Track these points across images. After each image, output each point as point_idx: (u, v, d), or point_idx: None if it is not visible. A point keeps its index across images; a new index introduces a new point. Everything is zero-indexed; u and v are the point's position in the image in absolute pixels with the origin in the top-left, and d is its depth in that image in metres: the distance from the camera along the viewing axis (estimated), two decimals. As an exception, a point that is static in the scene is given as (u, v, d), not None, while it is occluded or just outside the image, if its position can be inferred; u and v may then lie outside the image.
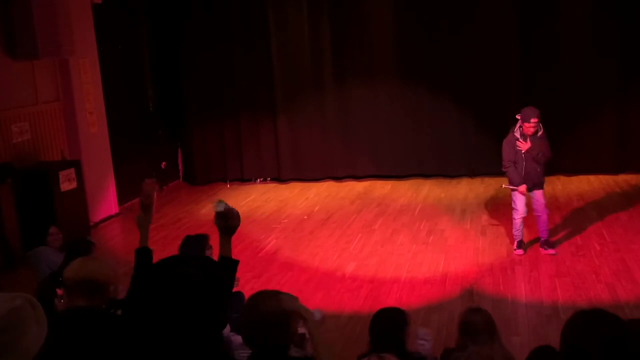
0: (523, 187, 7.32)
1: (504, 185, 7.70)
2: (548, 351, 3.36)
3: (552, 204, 9.15)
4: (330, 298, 6.59)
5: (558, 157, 10.70)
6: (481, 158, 11.05)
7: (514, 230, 7.57)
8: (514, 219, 7.50)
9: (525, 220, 7.52)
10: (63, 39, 8.74)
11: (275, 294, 2.97)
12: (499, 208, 9.33)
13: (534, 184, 7.36)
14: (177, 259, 2.11)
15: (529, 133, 7.16)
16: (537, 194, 7.39)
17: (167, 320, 1.97)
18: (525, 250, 7.55)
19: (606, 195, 9.81)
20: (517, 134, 7.25)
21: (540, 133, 7.22)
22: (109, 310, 3.23)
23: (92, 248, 5.41)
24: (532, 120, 7.09)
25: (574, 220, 8.62)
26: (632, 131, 10.72)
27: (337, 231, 8.86)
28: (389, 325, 3.86)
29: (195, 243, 5.15)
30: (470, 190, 10.59)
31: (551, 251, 7.45)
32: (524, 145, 7.19)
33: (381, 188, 11.07)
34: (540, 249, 7.53)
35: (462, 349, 3.74)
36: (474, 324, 3.76)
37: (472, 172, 11.20)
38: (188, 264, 2.16)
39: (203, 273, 2.09)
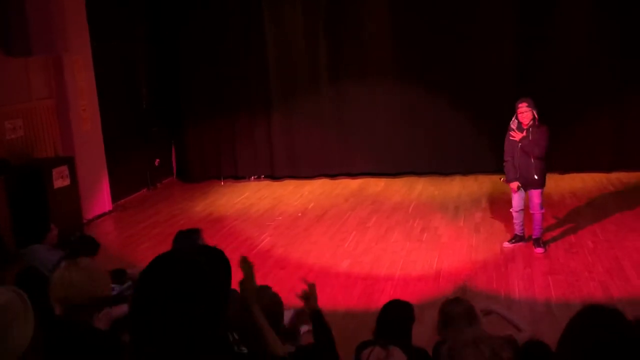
0: (514, 184, 7.34)
1: (501, 179, 7.72)
2: (539, 346, 3.38)
3: (546, 202, 9.14)
4: (325, 295, 6.58)
5: (552, 156, 10.78)
6: (475, 156, 11.08)
7: (514, 224, 7.69)
8: (511, 212, 7.63)
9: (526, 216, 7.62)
10: (56, 36, 8.71)
11: (261, 291, 2.97)
12: (492, 205, 9.36)
13: (530, 183, 7.31)
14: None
15: (524, 121, 7.13)
16: (533, 193, 7.36)
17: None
18: (512, 243, 7.67)
19: (599, 193, 9.85)
20: (513, 125, 7.25)
21: (536, 123, 7.14)
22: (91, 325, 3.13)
23: (97, 250, 5.24)
24: (520, 105, 7.13)
25: (567, 218, 8.66)
26: (626, 130, 10.75)
27: (332, 228, 8.86)
28: (397, 318, 3.88)
29: (185, 238, 5.07)
30: (464, 187, 10.62)
31: (539, 250, 7.47)
32: (517, 135, 7.18)
33: (375, 185, 11.09)
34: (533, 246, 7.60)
35: (444, 341, 3.76)
36: (451, 313, 3.78)
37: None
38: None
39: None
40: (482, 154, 10.95)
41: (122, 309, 3.72)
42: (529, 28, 10.70)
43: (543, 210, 7.49)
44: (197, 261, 1.78)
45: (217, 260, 1.83)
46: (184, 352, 1.70)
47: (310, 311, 3.25)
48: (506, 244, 7.68)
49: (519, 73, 10.79)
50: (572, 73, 10.65)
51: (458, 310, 3.77)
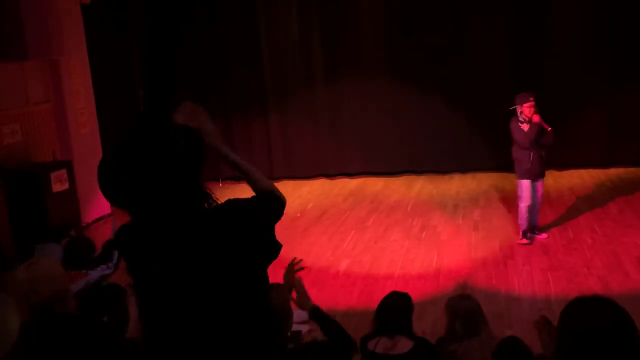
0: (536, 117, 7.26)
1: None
2: (515, 341, 3.39)
3: (544, 198, 9.18)
4: (325, 295, 6.59)
5: (549, 152, 10.79)
6: (473, 154, 11.09)
7: (519, 219, 7.68)
8: (519, 206, 7.61)
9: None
10: (52, 40, 8.70)
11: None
12: (491, 203, 9.37)
13: (538, 175, 7.48)
14: None
15: (533, 114, 7.22)
16: (540, 185, 7.54)
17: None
18: (531, 240, 7.64)
19: (597, 189, 9.87)
20: (520, 120, 7.32)
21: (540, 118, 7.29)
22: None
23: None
24: (530, 100, 7.20)
25: (565, 214, 8.67)
26: (622, 125, 10.77)
27: (331, 228, 8.87)
28: (397, 309, 3.89)
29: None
30: (462, 185, 10.63)
31: (544, 235, 7.70)
32: (536, 118, 7.19)
33: (374, 185, 11.09)
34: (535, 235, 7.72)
35: (453, 337, 3.77)
36: (461, 310, 3.81)
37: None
38: None
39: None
40: (480, 152, 10.97)
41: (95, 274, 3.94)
42: (525, 26, 10.72)
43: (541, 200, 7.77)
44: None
45: (192, 136, 2.20)
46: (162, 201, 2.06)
47: (310, 311, 3.27)
48: (523, 240, 7.62)
49: (516, 71, 10.81)
50: (568, 71, 10.67)
51: (466, 307, 3.80)
